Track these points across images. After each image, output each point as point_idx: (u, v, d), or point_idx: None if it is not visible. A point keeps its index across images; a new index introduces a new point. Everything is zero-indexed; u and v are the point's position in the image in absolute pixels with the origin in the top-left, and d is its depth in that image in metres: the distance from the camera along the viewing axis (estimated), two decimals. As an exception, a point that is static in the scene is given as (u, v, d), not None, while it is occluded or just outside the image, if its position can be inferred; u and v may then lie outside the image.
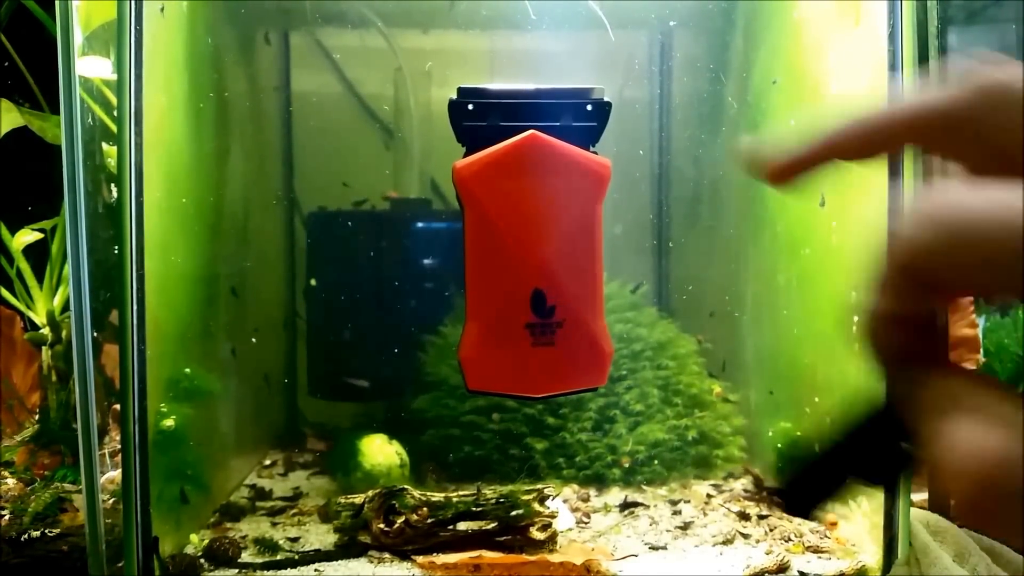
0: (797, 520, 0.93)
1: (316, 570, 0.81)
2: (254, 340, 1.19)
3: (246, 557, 0.83)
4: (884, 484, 0.26)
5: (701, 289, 1.22)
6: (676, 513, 0.97)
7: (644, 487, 1.05)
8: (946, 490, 0.22)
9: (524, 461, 1.04)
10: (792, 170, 0.27)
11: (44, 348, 0.98)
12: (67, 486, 0.86)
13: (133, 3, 0.72)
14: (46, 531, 0.77)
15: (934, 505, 0.88)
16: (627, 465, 1.05)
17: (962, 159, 0.23)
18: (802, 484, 0.26)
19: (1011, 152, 0.22)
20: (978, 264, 0.20)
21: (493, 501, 0.84)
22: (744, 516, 0.95)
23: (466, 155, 0.62)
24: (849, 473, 0.25)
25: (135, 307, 0.73)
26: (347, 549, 0.84)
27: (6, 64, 0.96)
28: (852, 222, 0.89)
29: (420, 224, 1.22)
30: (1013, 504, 0.18)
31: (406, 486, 0.85)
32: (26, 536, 0.76)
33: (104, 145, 0.87)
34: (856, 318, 0.24)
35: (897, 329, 0.23)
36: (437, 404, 1.09)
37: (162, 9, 0.82)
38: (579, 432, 1.05)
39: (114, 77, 0.75)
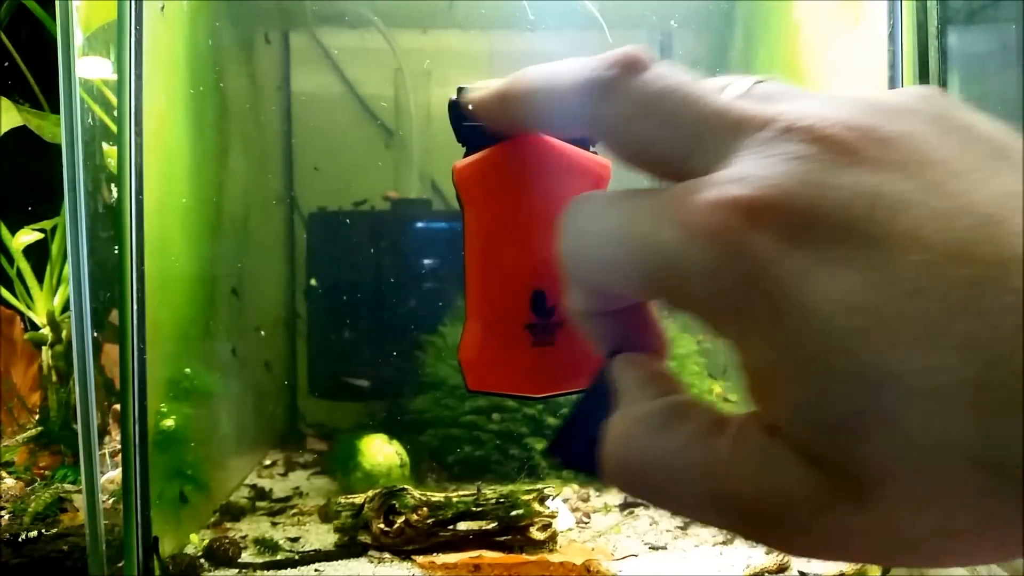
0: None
1: (316, 570, 0.81)
2: (263, 333, 1.20)
3: (246, 557, 0.83)
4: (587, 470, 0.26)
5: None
6: (676, 513, 0.97)
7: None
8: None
9: (524, 461, 1.04)
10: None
11: (44, 348, 0.98)
12: (67, 486, 0.86)
13: (133, 3, 0.72)
14: (43, 531, 0.76)
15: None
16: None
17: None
18: (573, 436, 0.27)
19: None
20: (594, 270, 0.21)
21: (493, 501, 0.84)
22: (744, 516, 0.95)
23: (466, 155, 0.62)
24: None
25: (135, 307, 0.73)
26: (347, 549, 0.84)
27: (6, 64, 0.96)
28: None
29: (420, 224, 1.22)
30: (635, 485, 0.20)
31: (406, 486, 0.85)
32: (24, 536, 0.75)
33: (104, 145, 0.87)
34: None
35: (598, 321, 0.24)
36: (437, 404, 1.09)
37: (162, 8, 0.82)
38: (579, 432, 1.05)
39: (114, 77, 0.75)
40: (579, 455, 0.25)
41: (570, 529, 0.92)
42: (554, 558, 0.81)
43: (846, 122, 0.17)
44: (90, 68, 0.85)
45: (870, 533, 0.17)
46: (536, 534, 0.84)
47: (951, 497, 0.15)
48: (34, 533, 0.76)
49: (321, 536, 0.89)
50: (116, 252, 0.73)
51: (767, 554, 0.84)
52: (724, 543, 0.88)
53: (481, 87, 0.27)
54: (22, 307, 0.99)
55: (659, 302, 0.24)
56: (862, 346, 0.16)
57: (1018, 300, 0.15)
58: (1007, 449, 0.15)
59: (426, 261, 1.19)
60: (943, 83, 0.80)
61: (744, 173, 0.17)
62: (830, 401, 0.16)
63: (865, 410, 0.16)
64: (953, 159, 0.17)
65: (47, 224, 0.98)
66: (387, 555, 0.83)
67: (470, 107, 0.28)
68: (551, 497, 0.86)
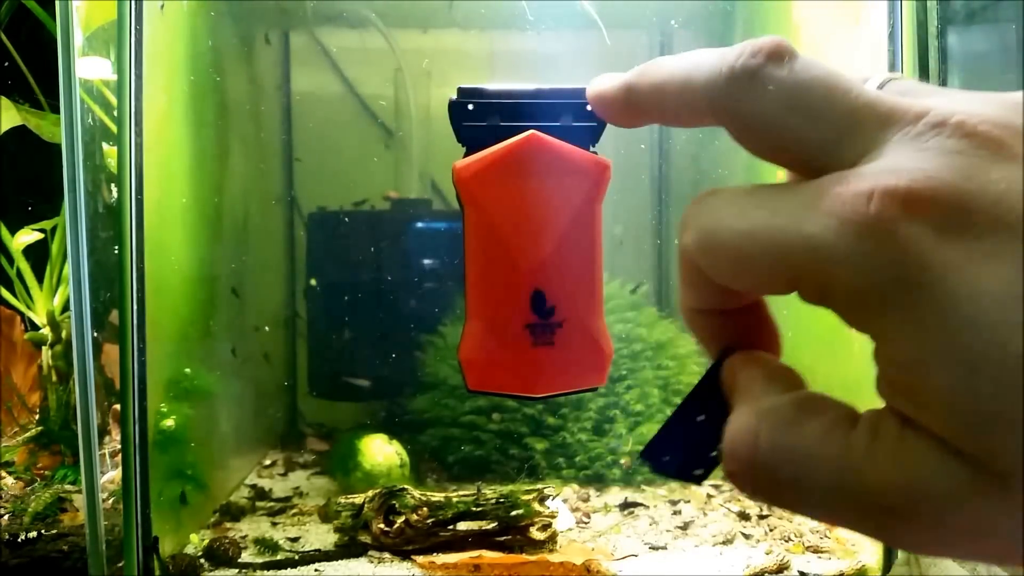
0: (797, 520, 0.93)
1: (316, 570, 0.81)
2: (267, 328, 1.20)
3: (246, 557, 0.83)
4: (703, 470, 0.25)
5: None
6: (676, 513, 0.97)
7: (644, 487, 1.05)
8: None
9: (524, 461, 1.04)
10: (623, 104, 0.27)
11: (44, 348, 0.98)
12: (67, 486, 0.86)
13: (133, 3, 0.72)
14: (43, 531, 0.76)
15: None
16: (628, 468, 1.05)
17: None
18: (672, 445, 0.26)
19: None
20: (727, 265, 0.21)
21: (493, 501, 0.84)
22: (744, 516, 0.95)
23: (466, 155, 0.62)
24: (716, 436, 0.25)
25: (135, 307, 0.73)
26: (347, 549, 0.84)
27: (6, 64, 0.96)
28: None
29: (420, 224, 1.22)
30: (763, 482, 0.20)
31: (406, 486, 0.85)
32: (24, 536, 0.75)
33: (104, 145, 0.87)
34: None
35: (711, 320, 0.24)
36: (437, 404, 1.09)
37: (162, 7, 0.82)
38: (579, 432, 1.05)
39: (114, 77, 0.75)
40: (681, 461, 0.25)
41: (570, 529, 0.92)
42: (554, 558, 0.81)
43: (994, 119, 0.18)
44: (90, 68, 0.85)
45: (1011, 528, 0.17)
46: (536, 534, 0.84)
47: None
48: (34, 533, 0.76)
49: (321, 536, 0.89)
50: (116, 252, 0.73)
51: (767, 554, 0.84)
52: (724, 543, 0.88)
53: (605, 79, 0.27)
54: (22, 307, 0.99)
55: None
56: (1015, 338, 0.16)
57: None
58: None
59: (426, 261, 1.19)
60: (943, 83, 0.80)
61: (898, 165, 0.18)
62: (981, 393, 0.16)
63: (1014, 400, 0.16)
64: None
65: (47, 224, 0.98)
66: (387, 555, 0.83)
67: (592, 100, 0.28)
68: (551, 497, 0.86)
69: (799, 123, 0.20)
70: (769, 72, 0.20)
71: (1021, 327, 0.16)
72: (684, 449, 0.25)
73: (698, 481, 0.26)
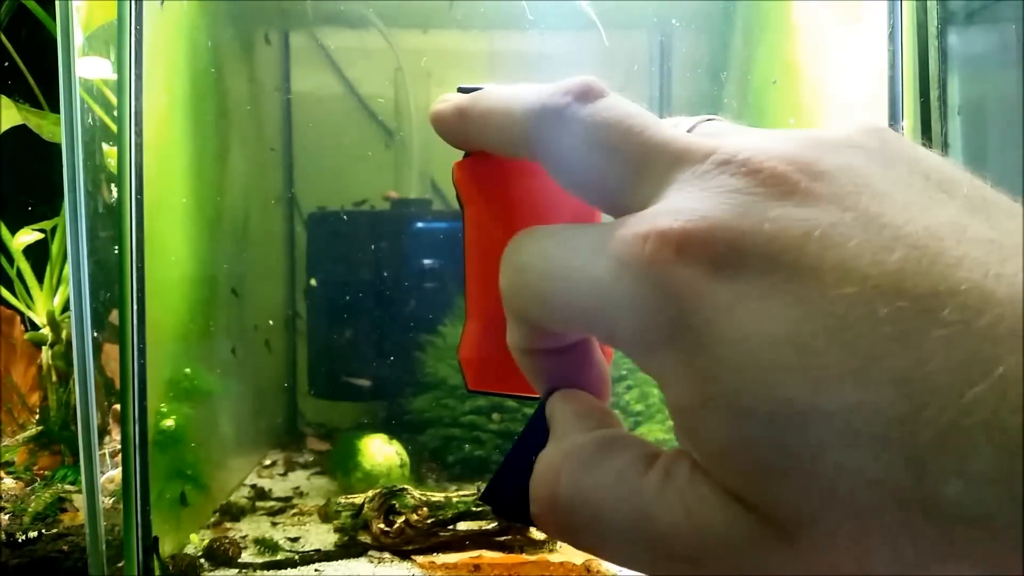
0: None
1: (316, 570, 0.81)
2: (271, 322, 1.20)
3: (246, 557, 0.83)
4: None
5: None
6: (676, 513, 0.97)
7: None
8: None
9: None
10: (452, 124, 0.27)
11: (44, 348, 0.98)
12: (67, 486, 0.86)
13: (133, 3, 0.72)
14: (43, 531, 0.76)
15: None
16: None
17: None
18: (507, 486, 0.25)
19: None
20: (533, 306, 0.21)
21: (493, 501, 0.84)
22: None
23: (466, 155, 0.62)
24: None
25: (135, 307, 0.73)
26: (347, 549, 0.84)
27: (6, 64, 0.96)
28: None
29: (420, 224, 1.22)
30: (563, 524, 0.19)
31: (406, 486, 0.85)
32: (24, 537, 0.75)
33: (104, 145, 0.87)
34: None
35: (537, 359, 0.24)
36: (437, 404, 1.09)
37: (161, 4, 0.82)
38: (579, 432, 1.05)
39: (114, 77, 0.75)
40: (514, 502, 0.23)
41: (570, 529, 0.92)
42: (554, 558, 0.81)
43: (783, 155, 0.17)
44: (90, 68, 0.85)
45: None
46: (536, 534, 0.84)
47: (879, 540, 0.15)
48: (34, 533, 0.76)
49: (321, 536, 0.89)
50: (116, 252, 0.73)
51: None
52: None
53: (444, 100, 0.26)
54: (22, 307, 0.99)
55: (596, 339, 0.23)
56: (786, 381, 0.15)
57: (949, 334, 0.14)
58: (936, 489, 0.14)
59: (426, 261, 1.19)
60: (943, 83, 0.80)
61: (676, 206, 0.17)
62: (753, 440, 0.15)
63: (789, 449, 0.15)
64: (894, 191, 0.17)
65: (47, 224, 0.98)
66: (387, 555, 0.83)
67: (431, 120, 0.28)
68: (551, 497, 0.86)
69: (598, 161, 0.20)
70: (574, 110, 0.21)
71: (793, 370, 0.15)
72: (521, 488, 0.24)
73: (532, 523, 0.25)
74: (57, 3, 0.72)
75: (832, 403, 0.15)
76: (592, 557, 0.82)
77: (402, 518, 0.82)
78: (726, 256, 0.16)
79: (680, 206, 0.17)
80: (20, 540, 0.75)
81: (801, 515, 0.15)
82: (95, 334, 0.73)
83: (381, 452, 1.02)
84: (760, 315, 0.16)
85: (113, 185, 0.81)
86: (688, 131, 0.22)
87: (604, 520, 0.18)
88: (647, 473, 0.18)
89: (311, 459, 1.18)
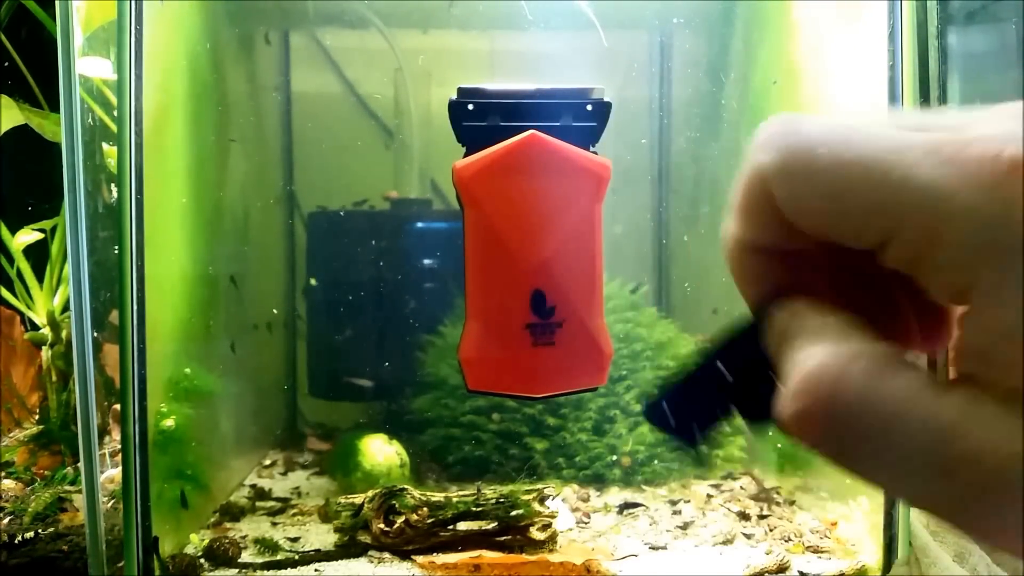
0: (797, 520, 0.93)
1: (316, 570, 0.81)
2: (277, 311, 1.20)
3: (246, 557, 0.83)
4: (758, 418, 0.24)
5: (701, 289, 1.22)
6: (676, 513, 0.97)
7: (644, 487, 1.05)
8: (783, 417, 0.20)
9: (524, 461, 1.04)
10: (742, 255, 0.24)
11: (44, 348, 0.98)
12: (67, 487, 0.86)
13: (133, 3, 0.72)
14: (40, 531, 0.76)
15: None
16: (627, 465, 1.05)
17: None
18: (679, 404, 0.24)
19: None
20: (818, 197, 0.19)
21: (493, 501, 0.84)
22: (744, 516, 0.95)
23: (466, 155, 0.62)
24: (728, 400, 0.23)
25: (135, 307, 0.73)
26: (347, 549, 0.84)
27: (6, 64, 0.96)
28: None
29: (420, 224, 1.22)
30: (837, 430, 0.18)
31: (406, 486, 0.85)
32: (21, 537, 0.75)
33: (104, 145, 0.87)
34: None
35: (763, 260, 0.22)
36: (437, 404, 1.09)
37: (162, 0, 0.82)
38: (579, 432, 1.05)
39: (114, 77, 0.75)
40: (688, 418, 0.23)
41: (570, 529, 0.92)
42: (554, 558, 0.81)
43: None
44: (90, 68, 0.85)
45: None
46: (536, 534, 0.84)
47: None
48: (31, 534, 0.76)
49: (321, 536, 0.89)
50: (116, 252, 0.73)
51: (767, 554, 0.84)
52: (724, 543, 0.88)
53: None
54: (22, 307, 0.99)
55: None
56: None
57: None
58: None
59: (426, 261, 1.19)
60: (943, 83, 0.80)
61: (1015, 134, 0.17)
62: None
63: None
64: None
65: (47, 224, 0.98)
66: (387, 555, 0.83)
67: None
68: (551, 497, 0.86)
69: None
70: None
71: None
72: (695, 407, 0.24)
73: (694, 444, 0.24)
74: (57, 3, 0.72)
75: None
76: (592, 557, 0.82)
77: (402, 518, 0.82)
78: None
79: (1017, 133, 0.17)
80: (19, 540, 0.75)
81: None
82: (95, 334, 0.73)
83: (381, 452, 1.02)
84: None
85: (113, 185, 0.81)
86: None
87: (894, 432, 0.17)
88: (947, 394, 0.17)
89: (311, 459, 1.18)
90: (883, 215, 0.18)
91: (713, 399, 0.23)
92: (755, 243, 0.22)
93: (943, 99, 0.80)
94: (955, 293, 0.18)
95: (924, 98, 0.79)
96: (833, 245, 0.20)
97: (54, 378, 0.97)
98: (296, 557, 0.83)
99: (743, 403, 0.23)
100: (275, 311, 1.25)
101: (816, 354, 0.19)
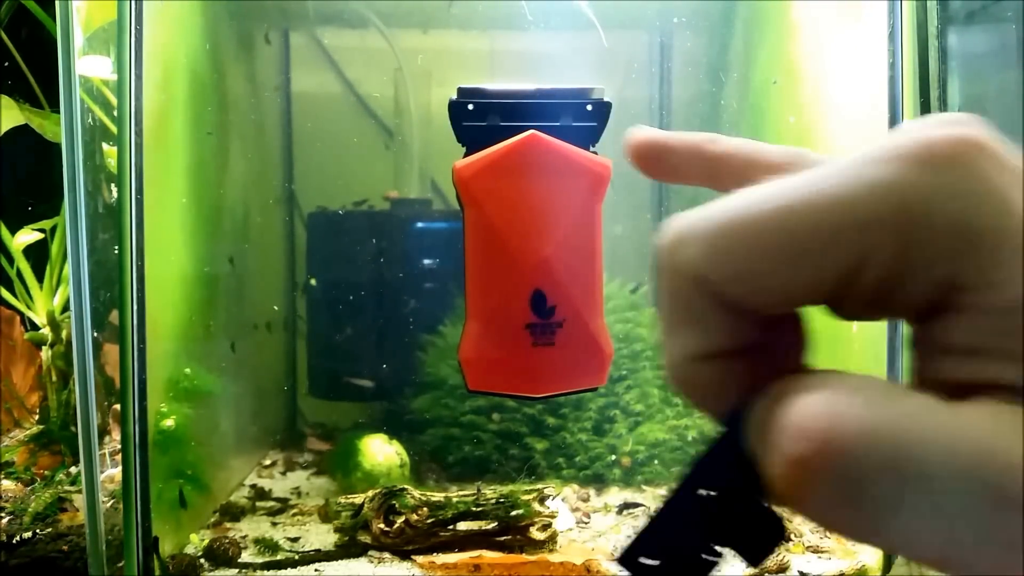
0: (797, 520, 0.93)
1: (316, 570, 0.81)
2: (276, 307, 1.20)
3: (246, 557, 0.83)
4: (757, 552, 0.19)
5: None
6: (676, 513, 0.97)
7: (644, 487, 1.05)
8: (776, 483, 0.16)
9: (524, 461, 1.04)
10: (652, 152, 0.24)
11: (44, 348, 0.98)
12: (67, 487, 0.86)
13: (133, 3, 0.72)
14: (38, 531, 0.76)
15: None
16: (627, 465, 1.05)
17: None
18: (660, 550, 0.20)
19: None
20: (765, 261, 0.17)
21: (493, 501, 0.84)
22: (744, 516, 0.95)
23: (466, 155, 0.62)
24: (716, 538, 0.20)
25: (135, 307, 0.73)
26: (347, 549, 0.84)
27: (6, 64, 0.96)
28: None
29: (420, 224, 1.22)
30: (850, 469, 0.15)
31: (406, 486, 0.85)
32: (19, 538, 0.75)
33: (104, 145, 0.87)
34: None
35: (721, 366, 0.19)
36: (437, 404, 1.09)
37: None
38: (579, 432, 1.05)
39: (114, 77, 0.75)
40: (673, 562, 0.20)
41: (570, 529, 0.92)
42: (554, 558, 0.81)
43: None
44: (90, 68, 0.85)
45: None
46: (536, 534, 0.84)
47: None
48: (28, 534, 0.76)
49: (321, 536, 0.89)
50: (116, 252, 0.73)
51: (767, 554, 0.84)
52: (724, 543, 0.88)
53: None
54: (22, 307, 0.99)
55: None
56: None
57: None
58: None
59: (426, 261, 1.19)
60: (943, 83, 0.80)
61: (948, 119, 0.17)
62: None
63: None
64: None
65: (47, 224, 0.98)
66: (387, 555, 0.83)
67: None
68: (551, 497, 0.86)
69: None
70: None
71: None
72: (677, 547, 0.20)
73: None
74: (57, 3, 0.72)
75: None
76: (592, 557, 0.82)
77: (402, 518, 0.82)
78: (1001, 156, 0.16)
79: (952, 119, 0.17)
80: (16, 541, 0.75)
81: None
82: (95, 334, 0.73)
83: (381, 452, 1.02)
84: None
85: (113, 185, 0.81)
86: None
87: (918, 459, 0.15)
88: (964, 408, 0.15)
89: (311, 459, 1.18)
90: (848, 241, 0.16)
91: (697, 538, 0.20)
92: (706, 350, 0.19)
93: (943, 99, 0.80)
94: (937, 296, 0.16)
95: (924, 98, 0.79)
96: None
97: (54, 378, 0.97)
98: (296, 557, 0.83)
99: (734, 536, 0.19)
100: (275, 307, 1.25)
101: (805, 401, 0.16)
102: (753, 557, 0.19)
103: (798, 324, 0.20)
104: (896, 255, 0.16)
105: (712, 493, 0.19)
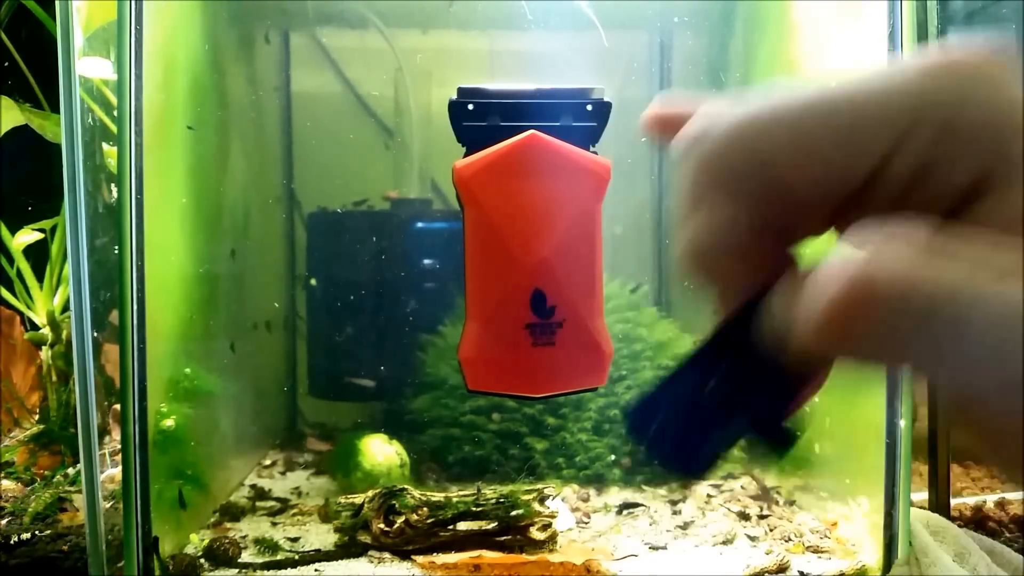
0: (797, 520, 0.93)
1: (316, 570, 0.81)
2: (276, 305, 1.20)
3: (246, 557, 0.83)
4: (777, 434, 0.20)
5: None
6: (676, 513, 0.97)
7: (644, 487, 1.05)
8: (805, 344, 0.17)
9: (524, 461, 1.04)
10: (670, 124, 0.24)
11: (44, 348, 0.98)
12: (67, 487, 0.86)
13: (133, 3, 0.72)
14: (38, 531, 0.76)
15: (934, 505, 0.88)
16: (627, 465, 1.05)
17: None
18: (682, 437, 0.20)
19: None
20: (808, 145, 0.19)
21: (493, 501, 0.84)
22: (744, 516, 0.95)
23: (466, 155, 0.62)
24: (735, 422, 0.20)
25: (135, 307, 0.73)
26: (347, 549, 0.84)
27: (6, 64, 0.96)
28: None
29: (420, 224, 1.22)
30: (889, 317, 0.15)
31: (406, 486, 0.85)
32: (18, 538, 0.75)
33: (104, 145, 0.87)
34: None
35: (738, 261, 0.20)
36: (437, 404, 1.09)
37: None
38: (579, 432, 1.05)
39: (114, 77, 0.75)
40: (689, 447, 0.20)
41: (570, 529, 0.92)
42: (554, 558, 0.81)
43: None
44: (90, 68, 0.85)
45: None
46: (536, 534, 0.84)
47: None
48: (28, 534, 0.76)
49: (321, 536, 0.89)
50: (116, 252, 0.73)
51: (767, 554, 0.84)
52: (724, 543, 0.88)
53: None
54: (22, 307, 0.99)
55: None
56: None
57: None
58: None
59: (426, 261, 1.19)
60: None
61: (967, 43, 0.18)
62: None
63: None
64: None
65: (47, 224, 0.98)
66: (387, 555, 0.83)
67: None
68: (551, 497, 0.86)
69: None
70: None
71: None
72: (682, 428, 0.20)
73: (694, 470, 0.21)
74: (57, 3, 0.72)
75: None
76: (592, 557, 0.82)
77: (402, 518, 0.82)
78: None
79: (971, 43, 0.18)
80: (15, 542, 0.75)
81: None
82: (95, 334, 0.73)
83: (381, 452, 1.02)
84: None
85: (113, 185, 0.81)
86: None
87: (965, 304, 0.15)
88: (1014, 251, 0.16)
89: (311, 459, 1.18)
90: (889, 127, 0.18)
91: (703, 407, 0.20)
92: (733, 225, 0.20)
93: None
94: (969, 184, 0.18)
95: (924, 98, 0.79)
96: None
97: (54, 378, 0.97)
98: (296, 557, 0.83)
99: (747, 403, 0.19)
100: (276, 304, 1.25)
101: (843, 250, 0.16)
102: (763, 426, 0.20)
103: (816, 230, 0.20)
104: (930, 142, 0.18)
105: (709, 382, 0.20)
